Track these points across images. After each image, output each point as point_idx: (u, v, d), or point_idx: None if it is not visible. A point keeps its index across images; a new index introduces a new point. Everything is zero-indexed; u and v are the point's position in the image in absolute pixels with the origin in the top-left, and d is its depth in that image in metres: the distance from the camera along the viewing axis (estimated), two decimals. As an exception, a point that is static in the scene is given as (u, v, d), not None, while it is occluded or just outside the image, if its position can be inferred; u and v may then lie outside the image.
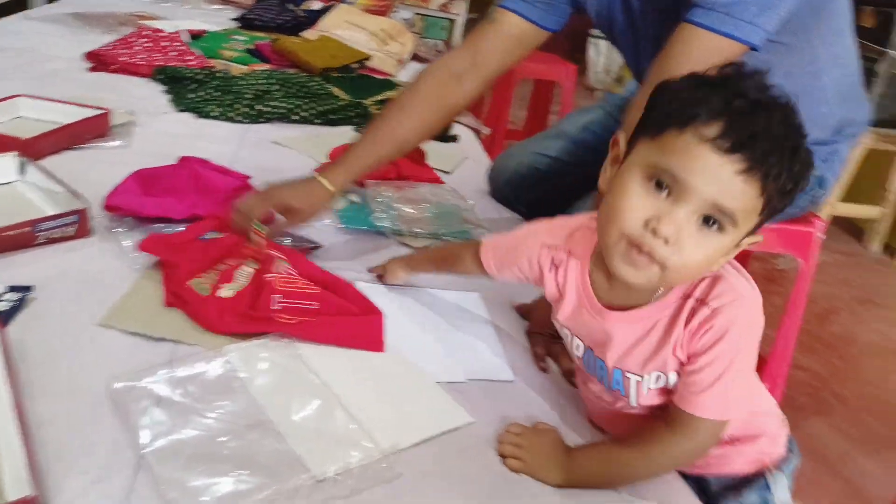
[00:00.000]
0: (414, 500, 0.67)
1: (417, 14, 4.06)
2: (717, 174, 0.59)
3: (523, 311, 1.04)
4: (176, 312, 0.87)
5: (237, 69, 1.96)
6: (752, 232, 0.65)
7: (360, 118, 1.73)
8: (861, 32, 2.49)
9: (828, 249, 2.90)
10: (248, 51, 2.15)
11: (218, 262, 0.95)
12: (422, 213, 1.28)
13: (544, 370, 0.92)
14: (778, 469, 0.79)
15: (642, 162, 0.63)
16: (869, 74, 2.47)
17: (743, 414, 0.71)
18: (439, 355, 0.90)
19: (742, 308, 0.66)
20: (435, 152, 1.62)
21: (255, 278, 0.93)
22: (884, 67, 2.44)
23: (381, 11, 3.31)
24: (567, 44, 5.19)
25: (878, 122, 2.56)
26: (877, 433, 1.78)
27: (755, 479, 0.78)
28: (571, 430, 0.81)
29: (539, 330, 0.97)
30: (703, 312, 0.66)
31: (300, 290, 0.92)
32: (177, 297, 0.88)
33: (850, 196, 2.85)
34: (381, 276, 1.03)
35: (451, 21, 4.17)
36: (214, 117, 1.58)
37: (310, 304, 0.90)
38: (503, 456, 0.74)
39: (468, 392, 0.83)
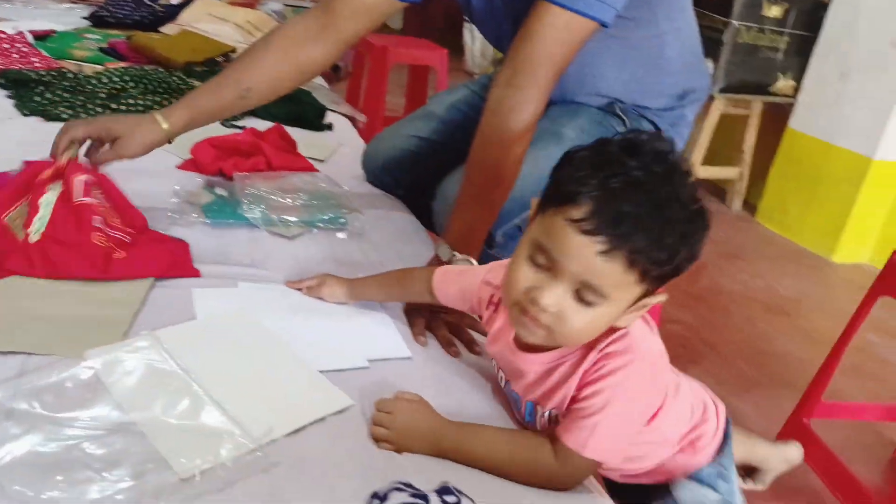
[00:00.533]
0: (292, 486, 0.66)
1: (287, 6, 3.97)
2: (580, 254, 0.64)
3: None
4: (22, 323, 0.82)
5: (90, 69, 1.85)
6: (648, 294, 0.68)
7: (226, 112, 1.68)
8: (707, 4, 2.67)
9: (696, 211, 3.10)
10: (102, 49, 2.04)
11: (25, 193, 0.95)
12: (294, 201, 1.26)
13: (423, 344, 0.94)
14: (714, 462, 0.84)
15: (531, 236, 0.69)
16: (715, 44, 2.65)
17: (610, 461, 0.74)
18: (336, 343, 0.90)
19: (633, 363, 0.69)
20: (308, 142, 1.60)
21: (59, 202, 0.94)
22: (728, 36, 2.62)
23: (248, 3, 3.21)
24: (443, 28, 5.23)
25: (727, 89, 2.74)
26: (746, 375, 1.93)
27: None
28: (457, 402, 0.83)
29: (415, 306, 0.99)
30: (593, 357, 0.71)
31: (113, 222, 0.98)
32: None
33: (710, 159, 3.05)
34: (309, 289, 1.00)
35: (323, 11, 4.10)
36: (64, 119, 1.48)
37: (123, 236, 0.97)
38: (373, 435, 0.74)
39: (363, 376, 0.84)
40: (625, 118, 1.24)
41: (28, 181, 0.96)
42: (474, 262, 1.01)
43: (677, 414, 0.79)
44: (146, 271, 0.95)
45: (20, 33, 1.94)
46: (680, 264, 0.66)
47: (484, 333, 0.99)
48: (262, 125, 1.62)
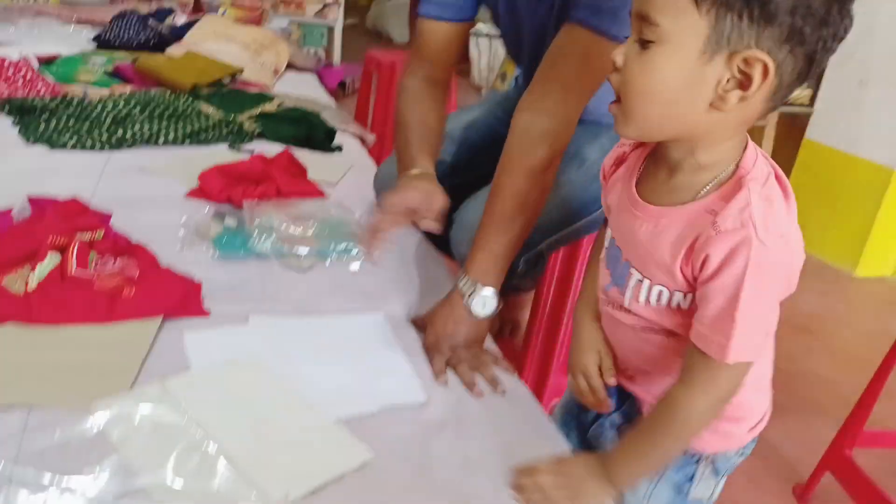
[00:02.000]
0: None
1: (294, 22, 3.96)
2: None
3: (419, 325, 1.00)
4: (25, 370, 0.77)
5: (96, 93, 1.82)
6: (733, 48, 0.58)
7: (233, 135, 1.65)
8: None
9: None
10: (108, 73, 2.02)
11: (26, 260, 0.91)
12: (305, 231, 1.22)
13: (444, 383, 0.89)
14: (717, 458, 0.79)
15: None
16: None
17: (755, 357, 0.66)
18: (344, 388, 0.84)
19: (744, 245, 0.61)
20: (318, 165, 1.56)
21: (55, 271, 0.91)
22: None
23: (253, 21, 3.20)
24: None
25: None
26: (773, 399, 1.87)
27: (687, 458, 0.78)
28: (497, 433, 0.79)
29: (435, 342, 0.94)
30: (708, 233, 0.63)
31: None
32: None
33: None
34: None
35: (330, 28, 4.09)
36: (70, 147, 1.45)
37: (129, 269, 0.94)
38: None
39: (377, 422, 0.79)
40: (649, 138, 1.19)
41: (29, 243, 0.93)
42: (496, 295, 0.96)
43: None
44: (154, 310, 0.90)
45: (25, 59, 1.91)
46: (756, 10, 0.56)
47: (508, 370, 0.94)
48: (271, 148, 1.59)
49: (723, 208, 0.63)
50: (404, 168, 1.13)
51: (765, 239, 0.61)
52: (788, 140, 2.89)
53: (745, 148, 0.66)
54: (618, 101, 0.65)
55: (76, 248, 0.92)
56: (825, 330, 2.19)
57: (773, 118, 2.92)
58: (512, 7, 1.14)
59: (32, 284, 0.87)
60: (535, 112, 0.95)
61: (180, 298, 0.93)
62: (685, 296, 0.69)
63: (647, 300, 0.72)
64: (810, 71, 0.61)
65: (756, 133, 2.99)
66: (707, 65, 0.60)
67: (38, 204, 1.06)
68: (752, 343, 0.64)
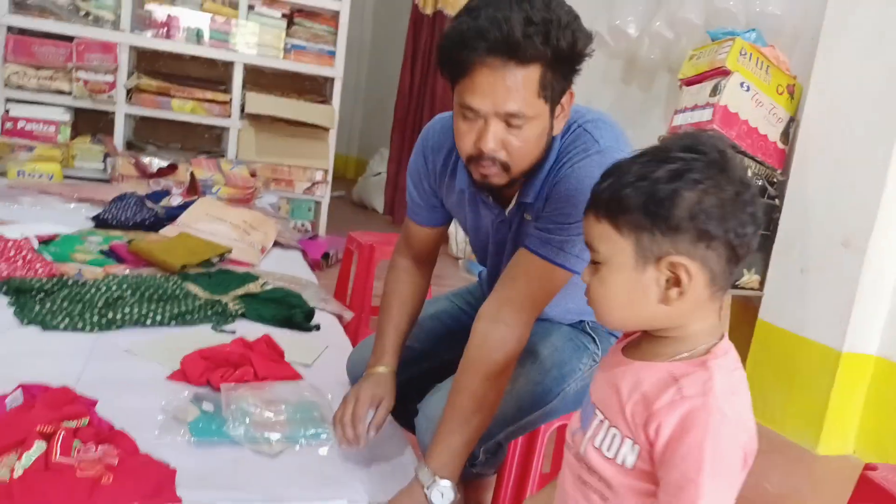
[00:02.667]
0: None
1: (283, 198, 4.23)
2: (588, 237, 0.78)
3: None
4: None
5: (91, 273, 1.95)
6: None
7: (217, 316, 1.76)
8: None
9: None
10: (103, 252, 2.15)
11: (15, 446, 0.97)
12: (278, 415, 1.29)
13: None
14: None
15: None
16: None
17: None
18: None
19: (703, 410, 0.68)
20: (296, 344, 1.66)
21: (39, 460, 0.97)
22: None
23: (245, 200, 3.43)
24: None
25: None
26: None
27: None
28: None
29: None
30: (672, 396, 0.71)
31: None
32: None
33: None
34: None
35: (317, 202, 4.36)
36: (62, 329, 1.55)
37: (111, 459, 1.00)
38: None
39: None
40: (594, 335, 1.32)
41: (18, 431, 0.99)
42: (454, 487, 1.03)
43: None
44: (129, 498, 0.96)
45: (26, 239, 2.05)
46: (647, 204, 0.71)
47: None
48: (253, 328, 1.70)
49: (688, 375, 0.72)
50: (375, 356, 1.32)
51: (725, 410, 0.69)
52: (744, 320, 3.06)
53: (721, 338, 0.78)
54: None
55: (61, 436, 0.99)
56: (791, 511, 2.21)
57: (727, 300, 3.10)
58: (476, 225, 1.31)
59: (18, 472, 0.93)
60: (493, 321, 1.09)
61: (155, 486, 0.99)
62: (633, 446, 0.75)
63: (601, 446, 0.78)
64: (738, 254, 0.74)
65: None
66: (643, 273, 0.74)
67: (29, 391, 1.14)
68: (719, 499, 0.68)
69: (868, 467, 1.18)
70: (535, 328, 1.31)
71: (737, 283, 2.90)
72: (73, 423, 1.03)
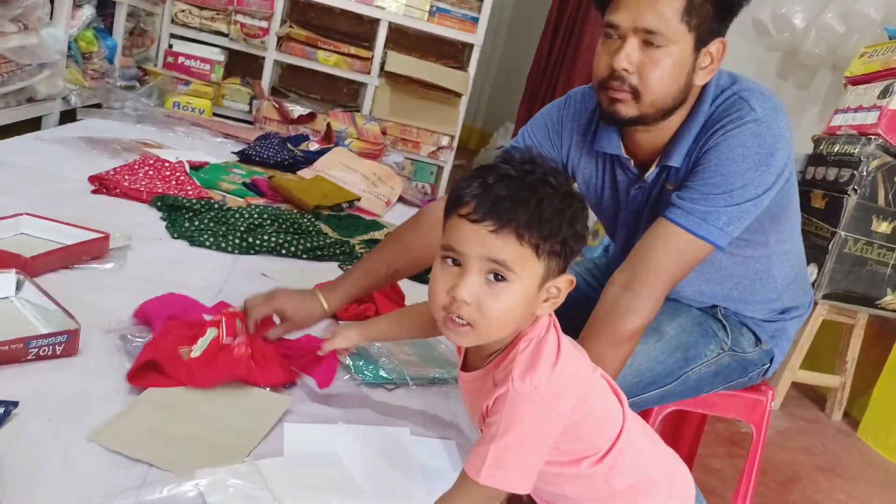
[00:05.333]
0: None
1: (408, 158, 4.31)
2: (477, 238, 0.75)
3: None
4: (158, 436, 0.90)
5: (233, 201, 2.07)
6: (554, 275, 0.78)
7: (345, 255, 1.83)
8: (813, 212, 2.71)
9: (791, 416, 2.95)
10: (245, 184, 2.28)
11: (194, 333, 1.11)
12: (410, 356, 1.33)
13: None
14: None
15: (438, 250, 0.80)
16: (820, 251, 2.65)
17: (515, 486, 0.76)
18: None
19: (526, 386, 0.75)
20: (415, 291, 1.70)
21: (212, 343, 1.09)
22: (834, 246, 2.63)
23: (374, 155, 3.53)
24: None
25: (830, 296, 2.71)
26: None
27: None
28: None
29: None
30: (500, 376, 0.78)
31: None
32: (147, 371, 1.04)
33: (810, 365, 2.94)
34: (326, 345, 1.12)
35: (439, 167, 4.41)
36: (207, 246, 1.66)
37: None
38: None
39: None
40: (725, 323, 1.26)
41: (194, 324, 1.14)
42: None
43: (629, 461, 0.84)
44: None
45: (180, 162, 2.21)
46: (566, 240, 0.76)
47: None
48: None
49: (510, 365, 0.78)
50: (332, 283, 1.24)
51: (519, 389, 0.75)
52: (879, 342, 2.84)
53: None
54: (467, 325, 0.77)
55: (224, 321, 1.11)
56: (904, 550, 2.06)
57: (862, 319, 2.89)
58: (614, 193, 1.27)
59: (196, 353, 1.06)
60: (626, 289, 1.06)
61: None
62: None
63: None
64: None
65: (844, 331, 2.96)
66: (538, 292, 0.78)
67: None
68: (504, 472, 0.75)
69: None
70: (663, 308, 1.27)
71: (877, 302, 2.69)
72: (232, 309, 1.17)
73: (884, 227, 2.60)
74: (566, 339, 0.82)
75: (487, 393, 0.79)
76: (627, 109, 1.08)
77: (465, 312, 0.76)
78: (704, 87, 1.12)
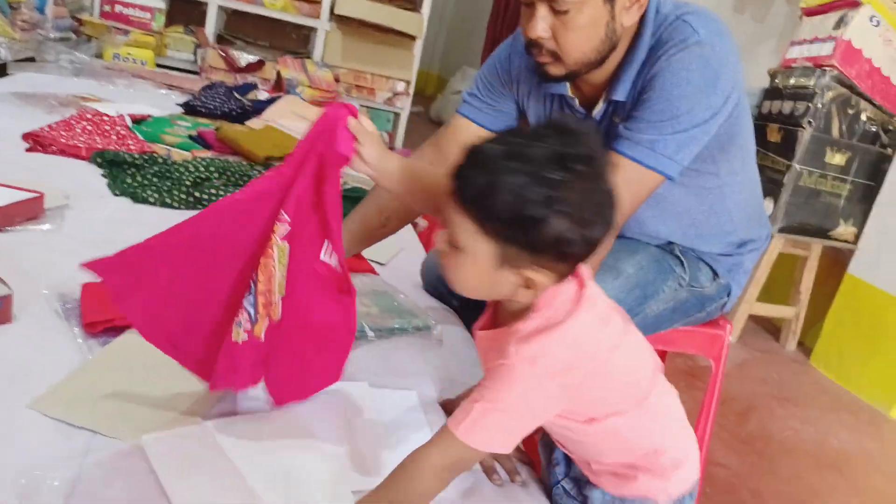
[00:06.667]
0: None
1: (363, 106, 4.21)
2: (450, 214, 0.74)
3: (448, 408, 1.06)
4: (106, 401, 0.86)
5: (178, 155, 1.98)
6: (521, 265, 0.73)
7: (298, 208, 1.77)
8: (769, 146, 2.72)
9: (748, 347, 3.03)
10: (191, 137, 2.19)
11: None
12: (368, 307, 1.30)
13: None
14: None
15: None
16: (776, 185, 2.68)
17: (492, 447, 0.76)
18: (366, 460, 0.90)
19: (520, 356, 0.73)
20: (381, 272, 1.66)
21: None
22: (789, 179, 2.65)
23: (327, 103, 3.42)
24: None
25: (786, 229, 2.75)
26: (793, 530, 1.83)
27: None
28: None
29: None
30: (507, 340, 0.75)
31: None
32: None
33: (766, 297, 3.01)
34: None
35: (396, 114, 4.32)
36: (151, 203, 1.59)
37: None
38: None
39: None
40: (683, 259, 1.26)
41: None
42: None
43: (630, 432, 0.81)
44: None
45: (120, 116, 2.11)
46: (516, 222, 0.70)
47: (526, 462, 0.99)
48: (330, 224, 1.71)
49: (509, 340, 0.74)
50: None
51: (514, 356, 0.73)
52: (831, 273, 2.91)
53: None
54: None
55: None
56: (855, 470, 2.15)
57: (816, 250, 2.95)
58: None
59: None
60: None
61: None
62: None
63: None
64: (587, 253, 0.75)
65: (798, 263, 3.02)
66: (498, 271, 0.74)
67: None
68: (482, 432, 0.74)
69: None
70: (621, 245, 1.26)
71: (830, 233, 2.75)
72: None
73: (837, 158, 2.63)
74: (594, 303, 0.78)
75: (495, 355, 0.76)
76: (555, 70, 1.08)
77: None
78: (642, 19, 1.09)
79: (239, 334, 0.83)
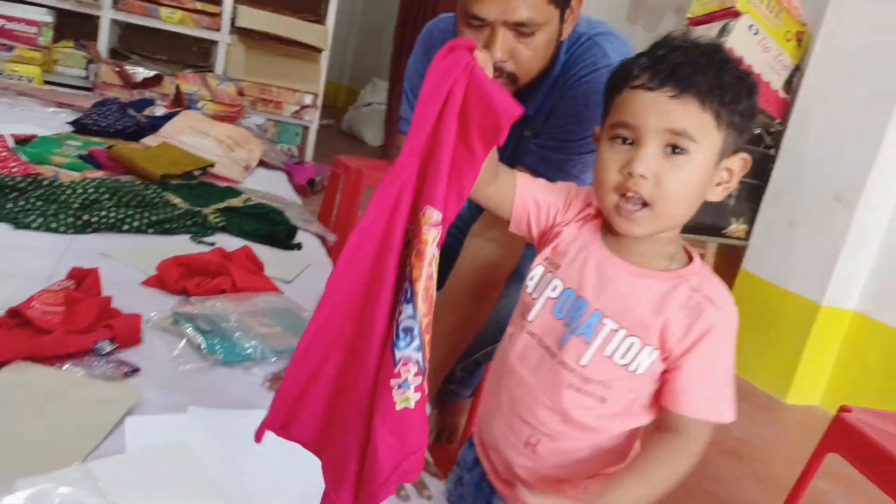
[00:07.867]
0: None
1: (270, 120, 4.13)
2: (655, 107, 0.71)
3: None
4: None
5: (67, 176, 1.88)
6: (729, 153, 0.74)
7: (197, 227, 1.71)
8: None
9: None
10: (82, 157, 2.08)
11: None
12: (271, 328, 1.27)
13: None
14: None
15: (606, 131, 0.76)
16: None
17: (733, 417, 0.76)
18: (270, 482, 0.87)
19: (730, 311, 0.76)
20: (277, 260, 1.63)
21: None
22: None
23: (231, 118, 3.34)
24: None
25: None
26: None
27: None
28: None
29: None
30: (697, 298, 0.75)
31: None
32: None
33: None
34: None
35: (305, 127, 4.26)
36: (34, 228, 1.50)
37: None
38: None
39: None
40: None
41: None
42: (430, 402, 1.02)
43: None
44: None
45: (2, 137, 1.98)
46: (744, 112, 0.73)
47: (437, 476, 0.99)
48: (233, 242, 1.66)
49: (701, 285, 0.75)
50: None
51: (728, 312, 0.75)
52: (727, 269, 3.07)
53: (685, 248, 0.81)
54: (645, 205, 0.73)
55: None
56: (754, 456, 2.26)
57: (712, 248, 3.10)
58: None
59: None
60: (486, 240, 1.05)
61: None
62: (650, 353, 0.76)
63: (613, 354, 0.77)
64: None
65: (698, 260, 3.17)
66: (714, 168, 0.75)
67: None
68: (732, 403, 0.76)
69: (843, 409, 1.19)
70: (526, 252, 1.29)
71: (723, 231, 2.89)
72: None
73: (726, 161, 2.78)
74: None
75: (663, 305, 0.75)
76: (509, 90, 1.05)
77: (644, 188, 0.72)
78: None
79: (407, 398, 0.61)
